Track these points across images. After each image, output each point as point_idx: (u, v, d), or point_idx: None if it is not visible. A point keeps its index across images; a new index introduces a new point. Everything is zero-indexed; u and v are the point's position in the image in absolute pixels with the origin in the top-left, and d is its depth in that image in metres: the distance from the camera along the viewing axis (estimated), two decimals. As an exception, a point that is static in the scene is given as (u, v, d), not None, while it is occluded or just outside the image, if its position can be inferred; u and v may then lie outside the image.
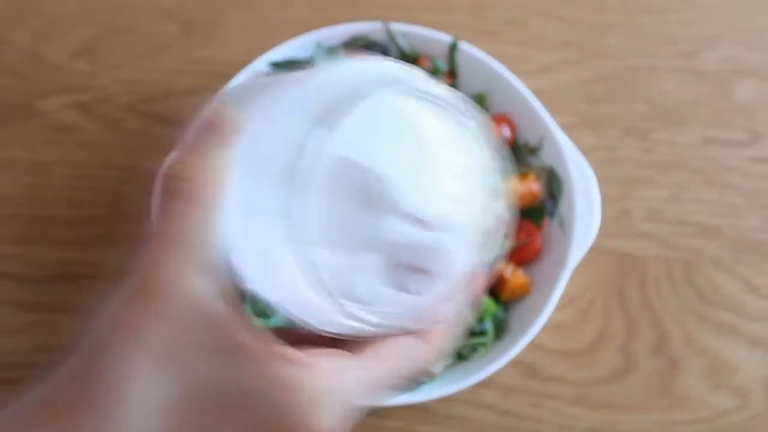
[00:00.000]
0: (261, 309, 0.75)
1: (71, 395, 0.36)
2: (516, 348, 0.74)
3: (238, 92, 0.40)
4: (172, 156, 0.40)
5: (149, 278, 0.36)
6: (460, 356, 0.77)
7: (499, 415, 0.80)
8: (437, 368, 0.75)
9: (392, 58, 0.84)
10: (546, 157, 0.81)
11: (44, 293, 0.82)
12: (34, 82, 0.89)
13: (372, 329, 0.35)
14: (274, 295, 0.36)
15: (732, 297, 0.84)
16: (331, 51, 0.83)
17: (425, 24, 0.87)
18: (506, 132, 0.81)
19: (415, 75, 0.36)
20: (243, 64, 0.82)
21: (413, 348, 0.37)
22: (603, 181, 0.87)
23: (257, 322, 0.73)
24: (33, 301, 0.82)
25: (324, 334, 0.38)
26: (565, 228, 0.79)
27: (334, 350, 0.36)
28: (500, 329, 0.77)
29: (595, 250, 0.84)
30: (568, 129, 0.87)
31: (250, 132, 0.34)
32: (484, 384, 0.80)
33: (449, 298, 0.37)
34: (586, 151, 0.87)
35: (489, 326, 0.76)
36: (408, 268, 0.34)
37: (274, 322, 0.75)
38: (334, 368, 0.35)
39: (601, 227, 0.80)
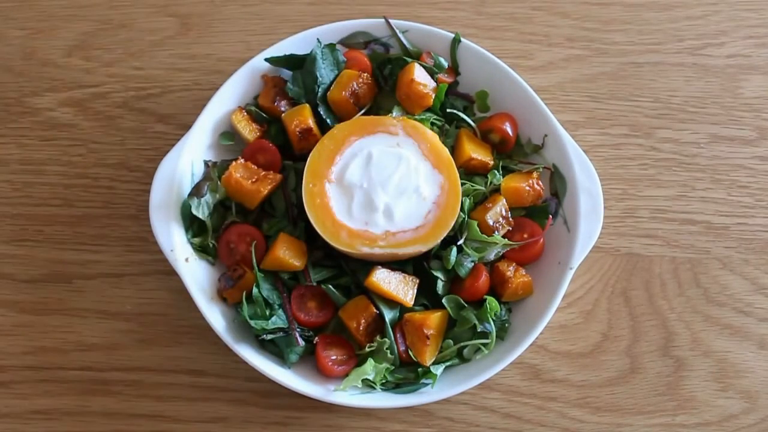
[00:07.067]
0: (260, 313, 0.74)
1: None
2: (519, 349, 0.73)
3: None
4: None
5: None
6: (462, 357, 0.76)
7: (501, 418, 0.79)
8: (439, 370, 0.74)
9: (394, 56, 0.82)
10: (550, 156, 0.80)
11: (38, 293, 0.81)
12: (28, 78, 0.88)
13: None
14: None
15: (739, 297, 0.83)
16: (331, 48, 0.81)
17: (427, 19, 0.86)
18: (509, 130, 0.80)
19: None
20: (241, 61, 0.81)
21: None
22: (608, 180, 0.86)
23: (256, 324, 0.72)
24: (27, 301, 0.81)
25: None
26: (569, 227, 0.78)
27: None
28: (503, 330, 0.76)
29: (599, 249, 0.84)
30: (572, 127, 0.86)
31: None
32: (486, 386, 0.79)
33: None
34: (591, 150, 0.86)
35: (491, 327, 0.74)
36: None
37: (273, 322, 0.74)
38: None
39: (606, 226, 0.80)
